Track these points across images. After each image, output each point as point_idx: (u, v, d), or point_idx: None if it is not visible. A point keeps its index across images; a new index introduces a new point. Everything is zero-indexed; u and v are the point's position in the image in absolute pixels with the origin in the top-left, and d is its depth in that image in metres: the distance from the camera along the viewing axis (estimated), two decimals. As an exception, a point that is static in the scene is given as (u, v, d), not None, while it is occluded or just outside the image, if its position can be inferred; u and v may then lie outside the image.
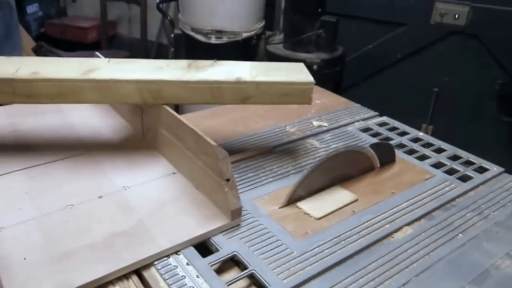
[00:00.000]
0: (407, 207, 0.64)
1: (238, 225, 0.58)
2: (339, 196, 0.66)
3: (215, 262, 0.52)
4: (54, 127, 0.77)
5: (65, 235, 0.53)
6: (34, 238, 0.52)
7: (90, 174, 0.65)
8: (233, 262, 0.53)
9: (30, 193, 0.61)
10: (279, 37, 2.10)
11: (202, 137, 0.58)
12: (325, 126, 0.88)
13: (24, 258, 0.49)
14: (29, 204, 0.58)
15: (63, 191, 0.61)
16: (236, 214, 0.57)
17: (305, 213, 0.62)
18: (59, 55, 2.43)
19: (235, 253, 0.53)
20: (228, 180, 0.56)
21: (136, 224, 0.56)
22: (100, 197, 0.61)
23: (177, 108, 1.86)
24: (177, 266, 0.51)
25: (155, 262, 0.51)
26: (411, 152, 0.80)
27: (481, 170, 0.76)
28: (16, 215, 0.56)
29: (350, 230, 0.59)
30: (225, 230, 0.57)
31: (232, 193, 0.56)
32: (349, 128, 0.88)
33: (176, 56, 2.19)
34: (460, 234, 0.60)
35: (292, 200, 0.63)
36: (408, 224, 0.61)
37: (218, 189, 0.57)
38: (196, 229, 0.55)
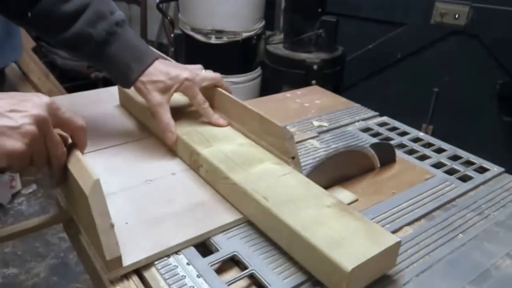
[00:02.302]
0: (407, 207, 0.64)
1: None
2: (339, 196, 0.66)
3: (215, 262, 0.52)
4: (115, 114, 0.82)
5: (151, 205, 0.58)
6: (125, 207, 0.57)
7: (159, 154, 0.70)
8: (233, 262, 0.53)
9: (108, 170, 0.64)
10: (279, 37, 2.10)
11: (267, 119, 0.63)
12: (325, 126, 0.88)
13: (126, 223, 0.55)
14: (111, 179, 0.62)
15: (138, 169, 0.66)
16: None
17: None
18: (59, 55, 2.43)
19: (235, 253, 0.53)
20: (293, 158, 0.61)
21: (212, 196, 0.61)
22: (173, 174, 0.66)
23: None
24: (177, 266, 0.51)
25: (156, 262, 0.51)
26: (411, 152, 0.80)
27: (481, 170, 0.76)
28: (104, 188, 0.56)
29: (350, 230, 0.59)
30: (226, 230, 0.57)
31: (297, 170, 0.61)
32: (349, 128, 0.88)
33: (176, 56, 2.19)
34: (460, 234, 0.60)
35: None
36: (408, 224, 0.61)
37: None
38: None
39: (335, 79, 1.96)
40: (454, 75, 1.92)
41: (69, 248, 1.72)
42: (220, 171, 0.60)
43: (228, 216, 0.58)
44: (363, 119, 0.92)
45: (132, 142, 0.73)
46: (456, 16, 1.81)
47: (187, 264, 0.51)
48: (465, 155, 0.80)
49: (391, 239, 0.48)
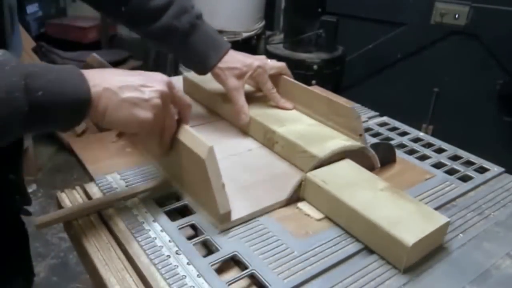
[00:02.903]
0: (407, 207, 0.64)
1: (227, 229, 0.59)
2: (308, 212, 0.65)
3: (216, 261, 0.52)
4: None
5: (241, 174, 0.66)
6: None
7: (232, 134, 0.78)
8: (234, 262, 0.53)
9: None
10: (279, 37, 2.10)
11: (336, 101, 0.71)
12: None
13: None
14: None
15: (218, 145, 0.68)
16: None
17: (305, 214, 0.62)
18: (59, 55, 2.43)
19: (236, 253, 0.53)
20: (360, 135, 0.69)
21: (290, 168, 0.68)
22: (250, 150, 0.73)
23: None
24: (177, 266, 0.51)
25: (156, 262, 0.51)
26: (411, 152, 0.80)
27: (482, 170, 0.76)
28: None
29: (350, 230, 0.59)
30: (226, 229, 0.57)
31: (364, 144, 0.69)
32: (350, 128, 0.88)
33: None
34: (460, 234, 0.60)
35: (293, 200, 0.63)
36: (409, 224, 0.61)
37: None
38: None
39: (335, 79, 1.95)
40: (454, 75, 1.92)
41: (69, 248, 1.72)
42: (298, 145, 0.67)
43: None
44: (363, 119, 0.92)
45: (204, 124, 0.81)
46: (456, 16, 1.81)
47: (188, 263, 0.51)
48: (465, 155, 0.80)
49: (442, 219, 0.55)
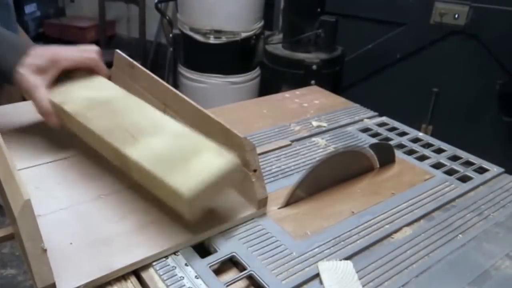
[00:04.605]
0: (406, 207, 0.64)
1: (264, 214, 0.60)
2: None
3: (214, 262, 0.51)
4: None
5: (101, 223, 0.55)
6: (73, 225, 0.54)
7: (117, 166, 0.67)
8: (232, 263, 0.53)
9: (61, 184, 0.62)
10: (278, 37, 2.09)
11: (229, 129, 0.59)
12: (324, 126, 0.87)
13: (71, 243, 0.51)
14: (63, 194, 0.60)
15: (93, 182, 0.63)
16: (262, 204, 0.59)
17: (304, 214, 0.61)
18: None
19: (234, 253, 0.53)
20: (255, 170, 0.57)
21: (168, 213, 0.57)
22: (129, 187, 0.62)
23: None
24: (175, 267, 0.50)
25: (154, 263, 0.51)
26: (410, 152, 0.80)
27: (481, 170, 0.75)
28: (53, 203, 0.58)
29: (349, 231, 0.58)
30: (227, 229, 0.56)
31: (259, 183, 0.58)
32: (349, 128, 0.88)
33: (175, 55, 2.19)
34: (460, 235, 0.59)
35: (292, 200, 0.63)
36: (408, 224, 0.61)
37: (244, 179, 0.58)
38: (225, 218, 0.57)
39: (334, 79, 1.95)
40: (454, 75, 1.92)
41: None
42: (155, 176, 0.52)
43: (182, 236, 0.54)
44: (362, 119, 0.92)
45: (93, 152, 0.67)
46: (456, 16, 1.81)
47: (186, 265, 0.51)
48: (465, 155, 0.80)
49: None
